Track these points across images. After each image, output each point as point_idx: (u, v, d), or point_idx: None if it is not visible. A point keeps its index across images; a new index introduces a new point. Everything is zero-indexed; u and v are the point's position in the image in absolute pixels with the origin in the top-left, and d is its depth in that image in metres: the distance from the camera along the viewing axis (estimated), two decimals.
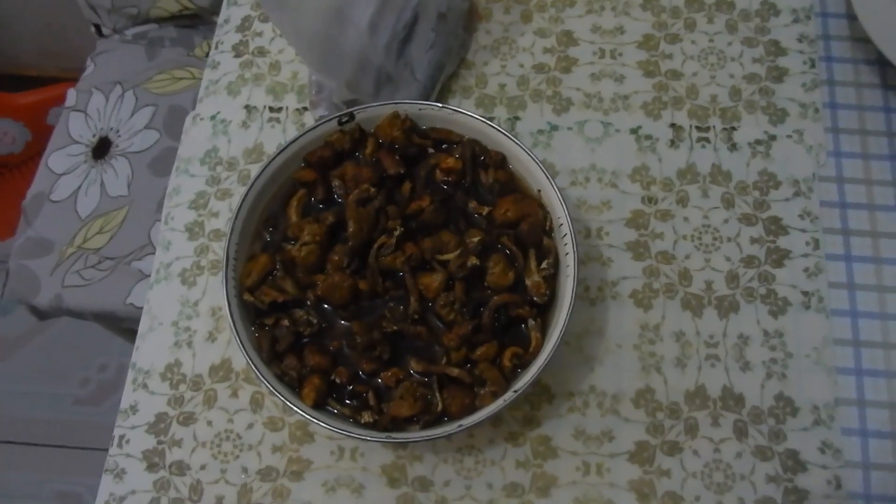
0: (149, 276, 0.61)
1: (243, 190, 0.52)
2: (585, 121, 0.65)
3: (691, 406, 0.56)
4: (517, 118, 0.65)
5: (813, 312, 0.58)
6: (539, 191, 0.53)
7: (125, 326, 1.06)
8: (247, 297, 0.51)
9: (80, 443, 1.44)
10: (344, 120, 0.55)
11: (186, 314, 0.60)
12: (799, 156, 0.63)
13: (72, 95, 1.15)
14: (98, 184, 1.06)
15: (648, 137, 0.64)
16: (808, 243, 0.60)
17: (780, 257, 0.60)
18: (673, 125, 0.64)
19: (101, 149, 1.09)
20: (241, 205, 0.52)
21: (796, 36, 0.67)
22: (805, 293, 0.59)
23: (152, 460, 0.57)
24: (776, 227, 0.61)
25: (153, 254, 0.64)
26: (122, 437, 0.58)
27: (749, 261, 0.60)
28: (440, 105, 0.55)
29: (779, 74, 0.65)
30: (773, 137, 0.63)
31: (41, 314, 1.05)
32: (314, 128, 0.54)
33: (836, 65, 0.66)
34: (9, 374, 1.53)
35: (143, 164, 1.06)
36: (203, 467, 0.56)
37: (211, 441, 0.57)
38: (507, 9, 0.69)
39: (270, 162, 0.53)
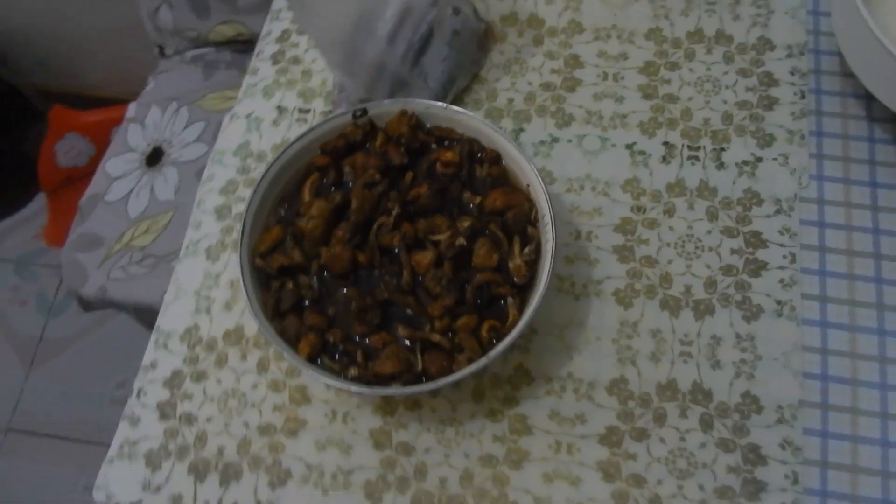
0: None
1: (263, 167, 0.59)
2: (585, 135, 0.70)
3: (662, 397, 0.60)
4: (522, 129, 0.71)
5: (785, 320, 0.62)
6: (528, 185, 0.59)
7: None
8: (258, 262, 0.57)
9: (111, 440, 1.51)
10: (358, 114, 0.61)
11: (208, 285, 0.67)
12: (783, 177, 0.67)
13: (132, 108, 1.25)
14: (148, 189, 1.15)
15: (642, 153, 0.69)
16: (785, 257, 0.64)
17: (757, 268, 0.64)
18: (666, 143, 0.69)
19: (154, 157, 1.18)
20: (260, 180, 0.59)
21: (789, 69, 0.72)
22: (778, 302, 0.62)
23: (165, 411, 0.63)
24: (756, 240, 0.65)
25: None
26: (140, 389, 0.64)
27: (728, 269, 0.64)
28: (445, 105, 0.61)
29: (769, 103, 0.70)
30: (759, 159, 0.68)
31: (86, 304, 1.13)
32: (331, 119, 0.61)
33: (825, 97, 0.71)
34: (54, 372, 1.62)
35: (190, 173, 1.15)
36: (209, 420, 0.62)
37: (218, 397, 0.62)
38: (521, 33, 0.75)
39: (290, 146, 0.60)
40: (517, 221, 0.57)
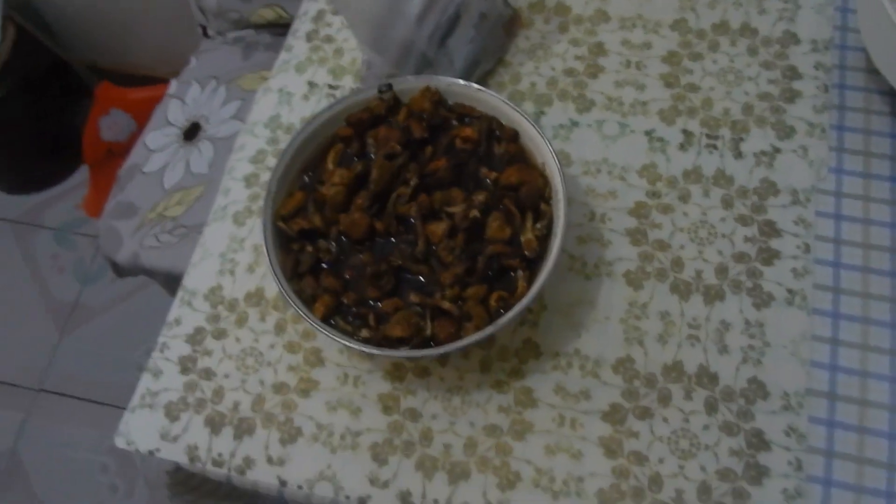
0: None
1: (291, 136, 0.61)
2: (604, 120, 0.71)
3: (667, 378, 0.61)
4: (543, 113, 0.72)
5: (795, 309, 0.62)
6: (543, 163, 0.60)
7: None
8: (280, 224, 0.60)
9: None
10: (383, 89, 0.63)
11: (233, 248, 0.70)
12: (801, 168, 0.67)
13: (174, 85, 1.29)
14: (184, 162, 1.19)
15: (660, 140, 0.70)
16: (798, 247, 0.64)
17: (770, 256, 0.64)
18: (685, 131, 0.70)
19: (192, 132, 1.22)
20: (287, 147, 0.61)
21: (813, 63, 0.72)
22: (790, 291, 0.63)
23: (185, 365, 0.65)
24: (770, 229, 0.65)
25: None
26: (163, 344, 0.67)
27: (740, 257, 0.64)
28: (466, 83, 0.63)
29: (791, 96, 0.71)
30: (777, 150, 0.68)
31: (120, 270, 1.17)
32: (357, 93, 0.63)
33: (848, 92, 0.71)
34: (86, 337, 1.67)
35: (224, 148, 1.18)
36: (227, 376, 0.64)
37: (237, 355, 0.65)
38: (548, 20, 0.77)
39: (317, 116, 0.62)
40: (531, 197, 0.59)
